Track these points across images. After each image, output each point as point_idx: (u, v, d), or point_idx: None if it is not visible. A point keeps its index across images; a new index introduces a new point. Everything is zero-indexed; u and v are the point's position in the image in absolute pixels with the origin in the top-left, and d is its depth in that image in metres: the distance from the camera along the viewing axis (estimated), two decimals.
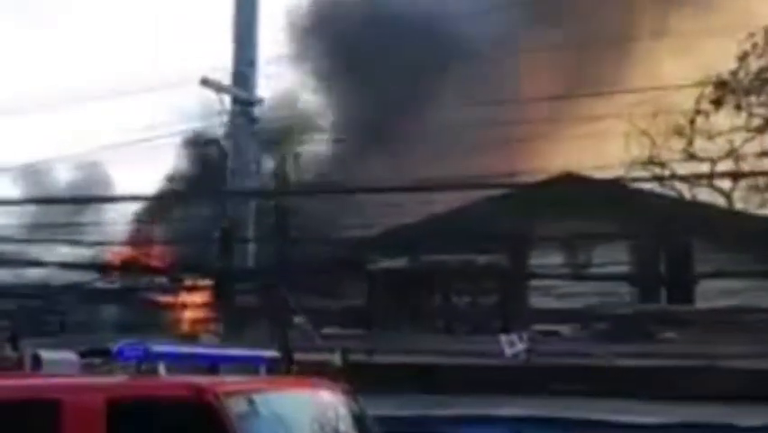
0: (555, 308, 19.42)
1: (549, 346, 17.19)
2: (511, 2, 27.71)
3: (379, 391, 11.74)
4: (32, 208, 26.10)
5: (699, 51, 26.44)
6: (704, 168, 26.79)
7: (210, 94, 21.72)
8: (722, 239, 20.43)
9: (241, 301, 20.17)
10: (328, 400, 9.20)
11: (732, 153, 27.13)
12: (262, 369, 9.40)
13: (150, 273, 22.13)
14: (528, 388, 15.69)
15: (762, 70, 27.76)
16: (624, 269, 20.60)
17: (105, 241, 23.01)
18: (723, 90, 27.55)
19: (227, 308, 19.68)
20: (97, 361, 9.45)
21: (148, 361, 8.65)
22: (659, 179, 25.82)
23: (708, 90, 27.44)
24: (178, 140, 27.55)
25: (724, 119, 27.67)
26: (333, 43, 32.76)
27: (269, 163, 22.05)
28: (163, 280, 21.60)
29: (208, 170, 26.99)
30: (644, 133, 27.52)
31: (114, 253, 23.40)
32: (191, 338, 18.19)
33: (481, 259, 21.69)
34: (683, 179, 26.52)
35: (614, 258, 19.67)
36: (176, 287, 20.77)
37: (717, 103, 27.63)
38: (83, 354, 9.32)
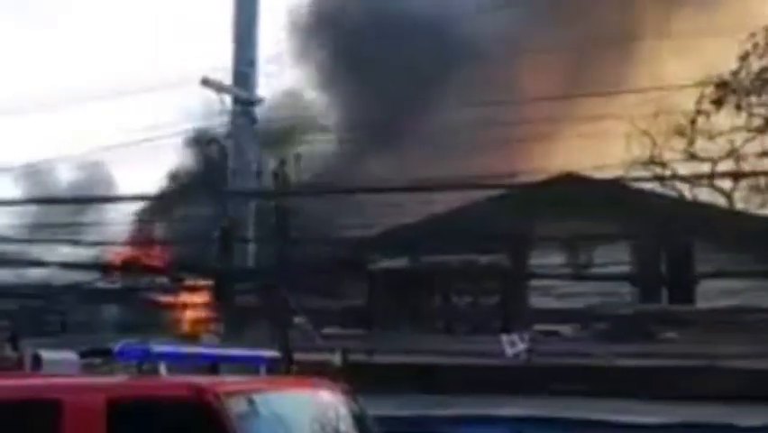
0: (556, 308, 19.43)
1: (549, 346, 17.19)
2: (512, 2, 27.72)
3: (379, 391, 11.74)
4: (33, 208, 26.12)
5: (700, 51, 26.44)
6: (705, 168, 26.81)
7: (211, 94, 21.75)
8: (723, 239, 20.43)
9: (241, 301, 20.17)
10: (328, 401, 9.20)
11: (733, 153, 27.13)
12: (262, 369, 9.40)
13: (150, 273, 22.12)
14: (529, 388, 15.70)
15: (763, 70, 27.75)
16: (624, 269, 20.60)
17: (106, 241, 23.02)
18: (724, 90, 27.54)
19: (227, 308, 19.69)
20: (98, 361, 9.46)
21: (148, 361, 8.65)
22: (660, 179, 25.81)
23: (709, 90, 27.43)
24: (179, 140, 27.60)
25: (725, 119, 27.67)
26: (335, 43, 32.78)
27: (270, 164, 22.02)
28: (164, 280, 21.60)
29: (210, 169, 27.00)
30: (645, 133, 27.51)
31: (114, 253, 23.40)
32: (192, 338, 18.18)
33: (482, 259, 21.68)
34: (684, 179, 26.52)
35: (615, 258, 19.67)
36: (176, 287, 20.76)
37: (718, 103, 27.62)
38: (83, 354, 9.32)
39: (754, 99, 27.76)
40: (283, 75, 30.64)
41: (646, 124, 27.28)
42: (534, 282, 20.68)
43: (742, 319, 18.75)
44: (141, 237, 25.68)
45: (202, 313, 19.98)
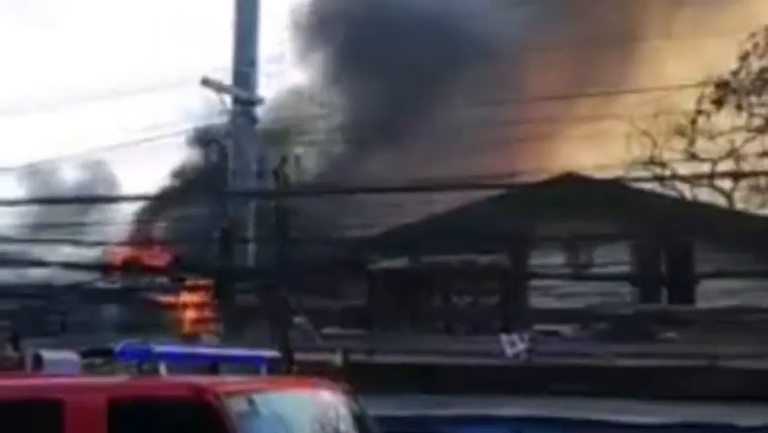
0: (556, 308, 19.43)
1: (549, 346, 17.20)
2: (515, 1, 27.73)
3: (379, 391, 11.75)
4: (35, 208, 26.15)
5: (701, 51, 26.44)
6: (705, 168, 26.82)
7: (212, 93, 21.77)
8: (723, 239, 20.44)
9: (241, 301, 20.18)
10: (328, 401, 9.22)
11: (733, 153, 27.14)
12: (263, 369, 9.42)
13: (150, 273, 22.13)
14: (529, 388, 15.71)
15: (763, 70, 27.76)
16: (624, 269, 20.60)
17: (107, 241, 23.03)
18: (724, 90, 27.54)
19: (227, 308, 19.69)
20: (99, 361, 9.47)
21: (149, 361, 8.67)
22: (660, 179, 25.81)
23: (710, 90, 27.43)
24: (181, 139, 27.62)
25: (725, 119, 27.68)
26: (337, 42, 32.79)
27: (273, 163, 22.05)
28: (164, 280, 21.61)
29: (212, 169, 27.04)
30: (646, 133, 27.52)
31: (114, 253, 23.41)
32: (192, 338, 18.19)
33: (482, 259, 21.69)
34: (684, 179, 26.52)
35: (615, 258, 19.67)
36: (177, 287, 20.77)
37: (719, 103, 27.63)
38: (84, 354, 9.34)
39: (754, 99, 27.77)
40: (285, 75, 30.69)
41: (647, 124, 27.29)
42: (535, 282, 20.69)
43: (742, 319, 18.76)
44: (141, 237, 25.70)
45: (202, 313, 19.99)
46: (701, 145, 27.47)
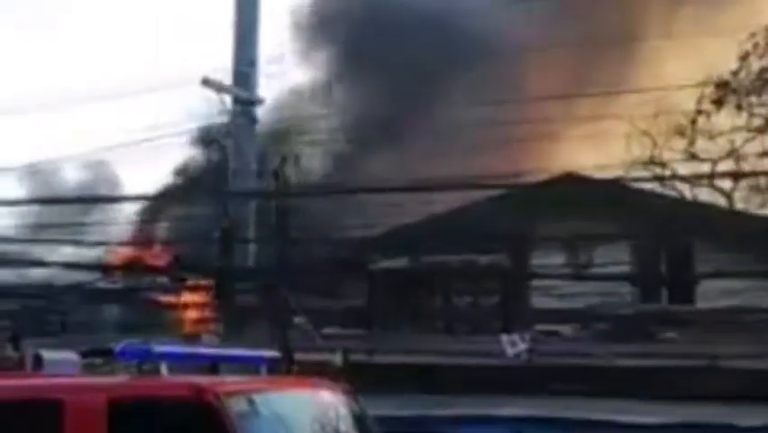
0: (556, 309, 19.43)
1: (550, 346, 17.20)
2: (514, 0, 27.74)
3: (379, 391, 11.76)
4: (36, 208, 26.16)
5: (701, 51, 26.44)
6: (705, 168, 26.81)
7: (212, 94, 21.78)
8: (723, 239, 20.44)
9: (241, 301, 20.18)
10: (328, 401, 9.22)
11: (733, 153, 27.14)
12: (263, 369, 9.43)
13: (151, 273, 22.14)
14: (529, 388, 15.71)
15: (763, 70, 27.75)
16: (625, 269, 20.61)
17: (108, 241, 23.04)
18: (724, 90, 27.54)
19: (227, 308, 19.70)
20: (99, 361, 9.48)
21: (149, 361, 8.68)
22: (660, 179, 25.81)
23: (710, 90, 27.43)
24: (183, 139, 27.62)
25: (725, 119, 27.68)
26: (338, 42, 32.80)
27: (271, 164, 22.07)
28: (165, 280, 21.62)
29: (213, 168, 27.04)
30: (646, 133, 27.52)
31: (115, 253, 23.42)
32: (193, 338, 18.20)
33: (482, 259, 21.69)
34: (684, 179, 26.52)
35: (615, 258, 19.68)
36: (177, 287, 20.78)
37: (719, 103, 27.62)
38: (85, 354, 9.35)
39: (754, 99, 27.77)
40: (285, 75, 30.70)
41: (647, 125, 27.29)
42: (535, 282, 20.70)
43: (742, 319, 18.76)
44: (142, 237, 25.71)
45: (202, 313, 20.00)
46: (701, 145, 27.48)
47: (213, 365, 9.41)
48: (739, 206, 26.34)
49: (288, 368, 10.08)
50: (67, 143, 39.95)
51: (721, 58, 27.02)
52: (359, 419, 9.31)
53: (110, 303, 23.07)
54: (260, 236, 21.53)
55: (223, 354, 10.07)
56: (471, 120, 25.34)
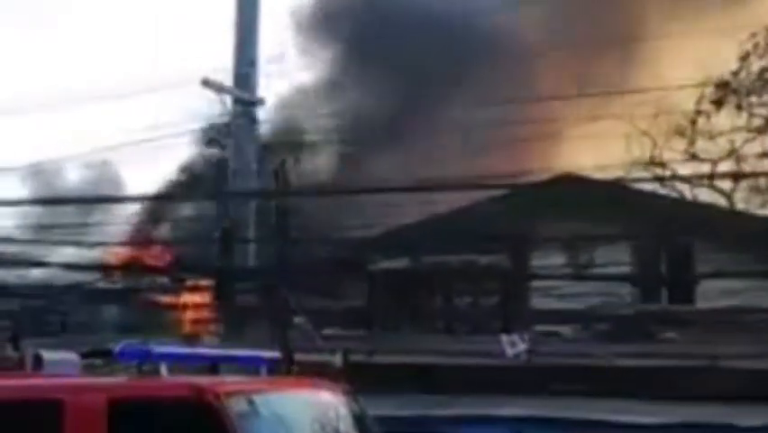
0: (556, 309, 19.43)
1: (550, 347, 17.20)
2: (514, 1, 27.75)
3: (379, 391, 11.77)
4: (38, 208, 26.16)
5: (701, 51, 26.44)
6: (705, 168, 26.82)
7: (213, 94, 21.79)
8: (723, 239, 20.44)
9: (241, 301, 20.18)
10: (328, 401, 9.23)
11: (733, 154, 27.15)
12: (263, 369, 9.43)
13: (151, 273, 22.15)
14: (529, 388, 15.71)
15: (763, 70, 27.76)
16: (625, 269, 20.60)
17: (108, 241, 23.05)
18: (724, 90, 27.54)
19: (227, 308, 19.70)
20: (99, 361, 9.49)
21: (149, 361, 8.68)
22: (660, 179, 25.81)
23: (710, 91, 27.43)
24: (186, 139, 27.62)
25: (725, 119, 27.68)
26: (340, 41, 32.80)
27: (272, 164, 22.10)
28: (164, 280, 21.63)
29: (214, 168, 27.06)
30: (646, 133, 27.52)
31: (114, 254, 23.43)
32: (193, 339, 18.20)
33: (482, 259, 21.69)
34: (684, 179, 26.53)
35: (615, 258, 19.68)
36: (177, 287, 20.79)
37: (719, 103, 27.63)
38: (84, 355, 9.36)
39: (754, 99, 27.77)
40: (286, 75, 30.71)
41: (647, 125, 27.29)
42: (535, 283, 20.69)
43: (742, 319, 18.75)
44: (141, 237, 25.71)
45: (202, 313, 20.00)
46: (701, 146, 27.48)
47: (213, 366, 9.42)
48: (740, 206, 26.34)
49: (288, 368, 10.07)
50: (68, 143, 39.96)
51: (721, 58, 27.02)
52: (359, 420, 9.32)
53: (110, 304, 23.07)
54: (260, 236, 21.53)
55: (223, 355, 10.08)
56: (472, 120, 25.34)
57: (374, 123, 29.66)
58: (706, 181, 26.71)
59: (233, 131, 22.00)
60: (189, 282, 20.63)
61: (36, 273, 23.47)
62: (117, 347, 8.85)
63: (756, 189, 26.89)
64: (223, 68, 22.12)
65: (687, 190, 26.90)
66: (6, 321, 20.81)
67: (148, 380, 8.64)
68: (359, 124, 30.37)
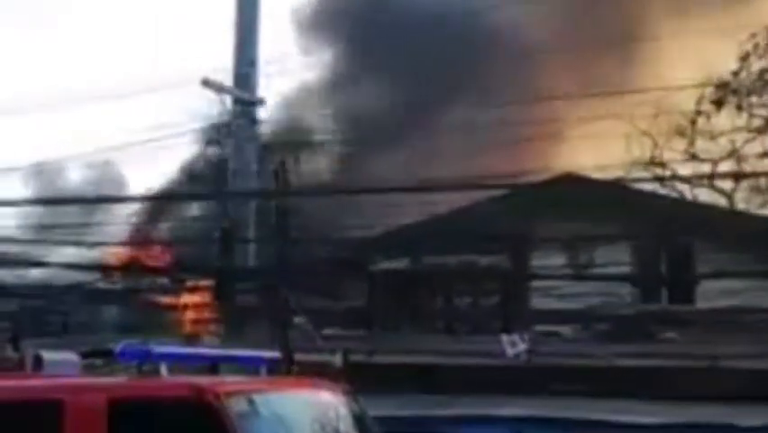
0: (556, 309, 19.43)
1: (550, 347, 17.21)
2: (514, 1, 27.75)
3: (379, 391, 11.77)
4: (40, 208, 26.16)
5: (701, 51, 26.43)
6: (705, 168, 26.81)
7: (213, 94, 21.80)
8: (723, 239, 20.44)
9: (241, 301, 20.19)
10: (328, 401, 9.23)
11: (733, 154, 27.15)
12: (263, 369, 9.43)
13: (151, 274, 22.16)
14: (529, 388, 15.72)
15: (763, 71, 27.75)
16: (625, 269, 20.61)
17: (108, 241, 23.05)
18: (724, 91, 27.54)
19: (227, 308, 19.71)
20: (99, 361, 9.50)
21: (149, 361, 8.69)
22: (660, 179, 25.81)
23: (710, 91, 27.43)
24: (187, 139, 27.61)
25: (725, 120, 27.68)
26: (340, 41, 32.80)
27: (272, 165, 22.08)
28: (164, 280, 21.63)
29: (215, 168, 27.04)
30: (646, 133, 27.52)
31: (114, 254, 23.43)
32: (193, 339, 18.22)
33: (483, 260, 21.69)
34: (684, 179, 26.53)
35: (615, 259, 19.68)
36: (177, 287, 20.79)
37: (719, 103, 27.62)
38: (85, 355, 9.36)
39: (754, 100, 27.77)
40: (286, 75, 30.73)
41: (647, 125, 27.28)
42: (535, 283, 20.69)
43: (742, 320, 18.75)
44: (141, 237, 25.71)
45: (202, 314, 20.00)
46: (702, 146, 27.48)
47: (213, 366, 9.42)
48: (740, 206, 26.33)
49: (288, 368, 10.09)
50: (69, 143, 39.93)
51: (721, 58, 27.01)
52: (359, 420, 9.32)
53: (110, 304, 23.07)
54: (260, 236, 21.53)
55: (223, 355, 10.08)
56: (472, 120, 25.34)
57: (374, 123, 29.65)
58: (706, 181, 26.71)
59: (234, 131, 22.00)
60: (189, 283, 20.63)
61: (36, 273, 23.47)
62: (117, 347, 8.85)
63: (756, 189, 26.89)
64: (223, 68, 22.14)
65: (687, 190, 26.90)
66: (6, 321, 20.82)
67: (148, 380, 8.65)
68: (359, 124, 30.37)
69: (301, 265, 20.95)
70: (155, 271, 21.92)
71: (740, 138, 27.36)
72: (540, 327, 18.85)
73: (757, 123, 27.56)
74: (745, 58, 27.52)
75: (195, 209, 27.54)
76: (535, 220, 20.83)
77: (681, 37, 26.99)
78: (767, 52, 27.76)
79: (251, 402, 8.42)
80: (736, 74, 27.50)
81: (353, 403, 9.42)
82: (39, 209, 25.91)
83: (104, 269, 22.03)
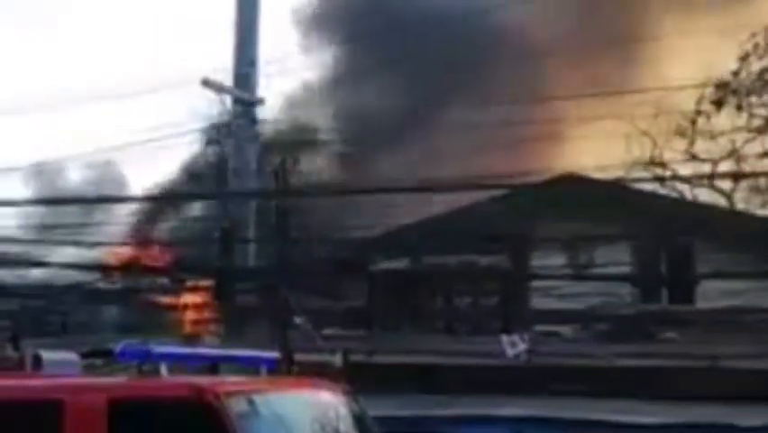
0: (556, 309, 19.43)
1: (550, 347, 17.20)
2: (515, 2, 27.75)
3: (379, 391, 11.77)
4: (41, 208, 26.16)
5: (701, 51, 26.44)
6: (705, 168, 26.81)
7: (213, 94, 21.80)
8: (723, 239, 20.44)
9: (241, 301, 20.19)
10: (328, 401, 9.23)
11: (733, 154, 27.15)
12: (263, 369, 9.43)
13: (151, 274, 22.15)
14: (529, 388, 15.71)
15: (763, 71, 27.75)
16: (625, 269, 20.61)
17: (108, 241, 23.04)
18: (724, 91, 27.54)
19: (227, 308, 19.70)
20: (99, 361, 9.50)
21: (149, 361, 8.69)
22: (660, 179, 25.81)
23: (710, 91, 27.43)
24: (188, 138, 27.61)
25: (725, 120, 27.68)
26: (341, 41, 32.80)
27: (271, 165, 22.10)
28: (164, 280, 21.63)
29: (216, 168, 27.04)
30: (646, 133, 27.52)
31: (114, 254, 23.42)
32: (193, 339, 18.21)
33: (483, 260, 21.69)
34: (684, 179, 26.53)
35: (615, 259, 19.68)
36: (177, 287, 20.79)
37: (719, 103, 27.62)
38: (85, 355, 9.36)
39: (754, 100, 27.77)
40: (287, 75, 30.74)
41: (647, 125, 27.29)
42: (535, 283, 20.69)
43: (742, 320, 18.76)
44: (142, 237, 25.71)
45: (202, 314, 20.00)
46: (701, 146, 27.48)
47: (213, 366, 9.42)
48: (740, 206, 26.33)
49: (288, 368, 10.08)
50: (69, 143, 39.96)
51: (721, 58, 27.02)
52: (359, 420, 9.32)
53: (110, 304, 23.07)
54: (260, 236, 21.53)
55: (223, 355, 10.09)
56: (473, 120, 25.34)
57: (375, 122, 29.66)
58: (706, 181, 26.71)
59: (234, 131, 22.00)
60: (189, 283, 20.63)
61: (36, 273, 23.47)
62: (117, 347, 8.85)
63: (756, 189, 26.89)
64: (223, 68, 22.14)
65: (687, 190, 26.90)
66: (6, 321, 20.82)
67: (148, 380, 8.65)
68: (360, 123, 30.38)
69: (301, 265, 20.95)
70: (155, 271, 21.91)
71: (740, 138, 27.37)
72: (540, 327, 18.85)
73: (757, 123, 27.55)
74: (744, 58, 27.52)
75: (195, 209, 27.55)
76: (535, 220, 20.83)
77: (680, 37, 27.00)
78: (767, 52, 27.75)
79: (251, 402, 8.42)
80: (735, 74, 27.49)
81: (353, 403, 9.42)
82: (39, 209, 25.91)
83: (104, 269, 22.02)
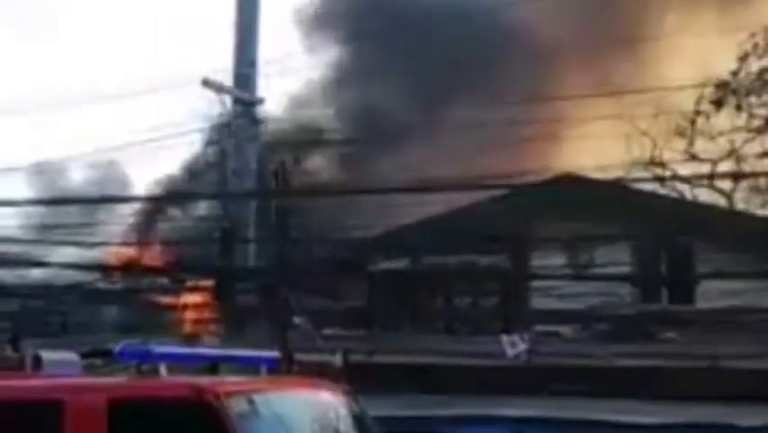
0: (556, 309, 19.44)
1: (550, 347, 17.21)
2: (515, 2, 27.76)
3: (379, 391, 11.77)
4: (42, 208, 26.17)
5: (701, 51, 26.44)
6: (705, 168, 26.81)
7: (213, 94, 21.81)
8: (723, 239, 20.45)
9: (241, 301, 20.19)
10: (328, 401, 9.23)
11: (733, 154, 27.15)
12: (263, 369, 9.43)
13: (151, 274, 22.16)
14: (529, 388, 15.71)
15: (763, 71, 27.75)
16: (625, 269, 20.61)
17: (108, 241, 23.05)
18: (724, 91, 27.54)
19: (227, 308, 19.71)
20: (99, 361, 9.49)
21: (149, 361, 8.69)
22: (660, 179, 25.81)
23: (709, 91, 27.43)
24: (189, 139, 27.64)
25: (724, 120, 27.68)
26: (341, 41, 32.82)
27: (272, 165, 22.09)
28: (164, 280, 21.63)
29: (216, 168, 27.04)
30: (646, 133, 27.52)
31: (114, 254, 23.43)
32: (193, 339, 18.21)
33: (483, 260, 21.69)
34: (684, 179, 26.52)
35: (615, 259, 19.69)
36: (177, 287, 20.79)
37: (718, 103, 27.62)
38: (84, 355, 9.36)
39: (753, 100, 27.77)
40: (287, 75, 30.75)
41: (646, 125, 27.29)
42: (535, 283, 20.70)
43: (742, 320, 18.76)
44: (142, 237, 25.71)
45: (202, 314, 20.01)
46: (701, 146, 27.48)
47: (213, 366, 9.42)
48: (740, 206, 26.33)
49: (288, 368, 10.08)
50: (70, 144, 40.06)
51: (721, 58, 27.02)
52: (359, 420, 9.32)
53: (110, 304, 23.07)
54: (260, 236, 21.53)
55: (223, 355, 10.09)
56: (473, 120, 25.34)
57: (375, 122, 29.67)
58: (706, 181, 26.71)
59: (234, 131, 22.01)
60: (189, 283, 20.63)
61: (36, 273, 23.47)
62: (117, 347, 8.85)
63: (756, 189, 26.89)
64: (223, 68, 22.16)
65: (687, 190, 26.90)
66: (7, 322, 20.83)
67: (148, 380, 8.65)
68: (361, 123, 30.38)
69: (301, 265, 20.95)
70: (155, 271, 21.92)
71: (739, 138, 27.37)
72: (540, 327, 18.85)
73: (757, 123, 27.55)
74: (744, 58, 27.52)
75: (195, 209, 27.55)
76: (535, 220, 20.83)
77: (680, 37, 27.00)
78: (766, 52, 27.75)
79: (251, 402, 8.42)
80: (735, 74, 27.50)
81: (353, 403, 9.42)
82: (40, 209, 25.92)
83: (104, 269, 22.03)
